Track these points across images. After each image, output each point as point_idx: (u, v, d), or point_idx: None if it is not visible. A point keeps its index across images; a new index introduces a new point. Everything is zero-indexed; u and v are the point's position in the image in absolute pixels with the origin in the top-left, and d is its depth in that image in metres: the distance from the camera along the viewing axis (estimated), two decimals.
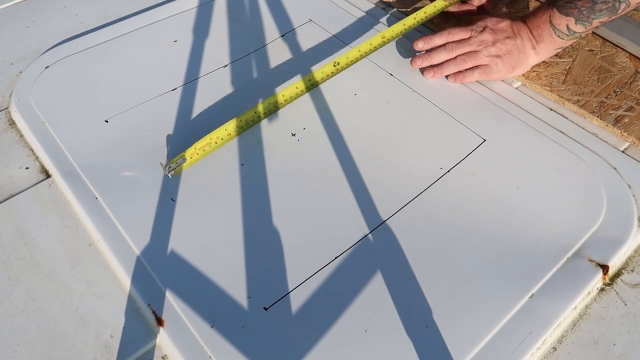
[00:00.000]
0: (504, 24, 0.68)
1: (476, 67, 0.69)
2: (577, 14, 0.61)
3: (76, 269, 0.52)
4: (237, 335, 0.47)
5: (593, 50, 0.75)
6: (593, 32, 0.78)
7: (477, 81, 0.71)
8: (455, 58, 0.69)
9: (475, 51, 0.68)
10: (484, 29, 0.69)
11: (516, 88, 0.71)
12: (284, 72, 0.73)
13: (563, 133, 0.64)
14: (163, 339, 0.48)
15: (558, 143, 0.63)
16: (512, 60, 0.67)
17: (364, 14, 0.83)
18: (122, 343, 0.47)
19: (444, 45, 0.70)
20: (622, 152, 0.62)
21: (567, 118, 0.66)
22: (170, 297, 0.49)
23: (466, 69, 0.69)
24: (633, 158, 0.61)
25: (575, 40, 0.65)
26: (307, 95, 0.69)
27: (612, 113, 0.66)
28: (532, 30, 0.66)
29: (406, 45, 0.77)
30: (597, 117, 0.66)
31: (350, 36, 0.78)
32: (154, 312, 0.48)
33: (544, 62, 0.74)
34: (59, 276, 0.51)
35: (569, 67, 0.73)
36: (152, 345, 0.47)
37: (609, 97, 0.68)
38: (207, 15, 0.83)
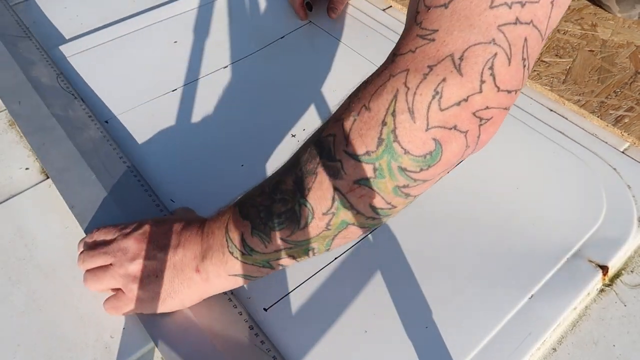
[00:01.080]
0: (165, 226, 0.46)
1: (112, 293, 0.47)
2: (254, 216, 0.40)
3: (76, 269, 0.52)
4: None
5: (593, 51, 0.75)
6: (593, 33, 0.78)
7: None
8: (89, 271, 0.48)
9: (108, 266, 0.47)
10: (132, 231, 0.47)
11: None
12: (284, 74, 0.73)
13: (563, 134, 0.64)
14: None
15: (558, 144, 0.63)
16: (157, 286, 0.45)
17: (364, 15, 0.83)
18: (122, 344, 0.47)
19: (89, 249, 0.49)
20: (622, 152, 0.62)
21: (566, 119, 0.66)
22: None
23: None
24: (633, 159, 0.61)
25: (257, 268, 0.42)
26: (307, 97, 0.70)
27: (612, 113, 0.66)
28: (204, 237, 0.44)
29: None
30: (597, 117, 0.66)
31: (350, 37, 0.78)
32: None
33: (543, 61, 0.74)
34: (59, 277, 0.51)
35: (569, 67, 0.73)
36: (152, 346, 0.47)
37: (609, 97, 0.68)
38: (207, 16, 0.83)
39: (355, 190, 0.37)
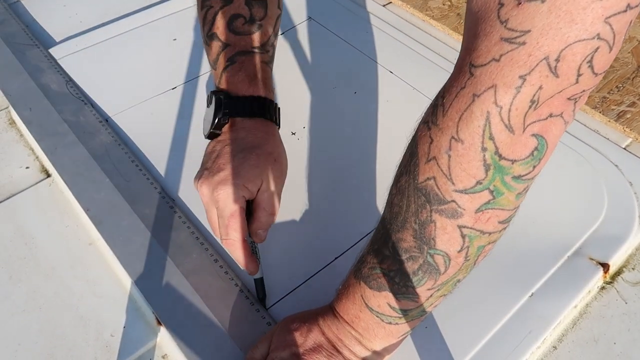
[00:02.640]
0: (309, 340, 0.42)
1: None
2: (390, 285, 0.39)
3: (76, 268, 0.52)
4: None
5: None
6: None
7: None
8: None
9: None
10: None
11: None
12: (284, 70, 0.73)
13: None
14: (163, 338, 0.48)
15: (559, 140, 0.62)
16: None
17: (364, 11, 0.82)
18: (123, 342, 0.47)
19: None
20: (624, 149, 0.62)
21: None
22: (170, 297, 0.49)
23: None
24: (635, 155, 0.61)
25: (419, 319, 0.41)
26: (307, 94, 0.69)
27: (614, 108, 0.66)
28: (350, 323, 0.42)
29: (407, 43, 0.76)
30: (600, 112, 0.65)
31: (350, 34, 0.78)
32: (154, 312, 0.48)
33: None
34: (59, 275, 0.51)
35: None
36: (153, 345, 0.48)
37: (611, 92, 0.68)
38: None
39: (480, 219, 0.35)
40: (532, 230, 0.54)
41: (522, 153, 0.33)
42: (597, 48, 0.30)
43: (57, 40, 0.78)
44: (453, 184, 0.34)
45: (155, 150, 0.63)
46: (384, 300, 0.39)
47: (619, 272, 0.52)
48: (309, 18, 0.81)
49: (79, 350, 0.46)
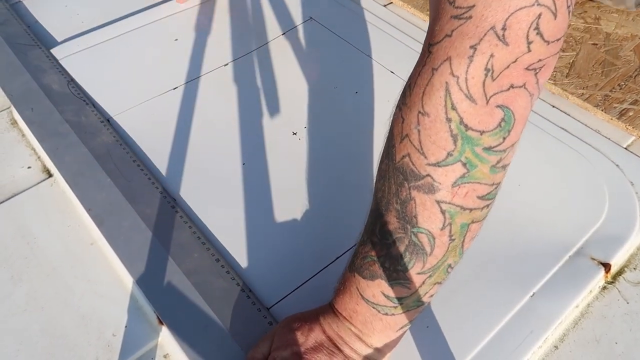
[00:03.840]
0: (310, 340, 0.42)
1: None
2: (381, 271, 0.39)
3: (78, 268, 0.52)
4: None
5: (597, 44, 0.74)
6: (596, 26, 0.77)
7: None
8: None
9: None
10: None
11: None
12: (285, 70, 0.73)
13: (565, 130, 0.63)
14: (165, 338, 0.48)
15: (560, 140, 0.62)
16: None
17: (365, 11, 0.82)
18: (124, 342, 0.47)
19: None
20: (625, 148, 0.62)
21: (569, 115, 0.66)
22: (172, 297, 0.49)
23: None
24: (636, 155, 0.61)
25: (416, 310, 0.40)
26: (308, 94, 0.69)
27: (616, 106, 0.66)
28: (349, 319, 0.41)
29: (407, 43, 0.76)
30: (602, 110, 0.65)
31: (351, 34, 0.78)
32: (155, 311, 0.48)
33: None
34: (60, 275, 0.52)
35: (573, 60, 0.72)
36: (154, 344, 0.48)
37: (614, 90, 0.68)
38: (208, 14, 0.82)
39: (457, 193, 0.35)
40: (534, 230, 0.54)
41: (489, 123, 0.34)
42: (540, 14, 0.32)
43: (59, 41, 0.78)
44: (426, 157, 0.35)
45: (157, 150, 0.63)
46: (377, 289, 0.39)
47: (620, 272, 0.52)
48: (310, 18, 0.81)
49: (80, 349, 0.47)
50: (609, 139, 0.63)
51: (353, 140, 0.63)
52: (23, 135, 0.65)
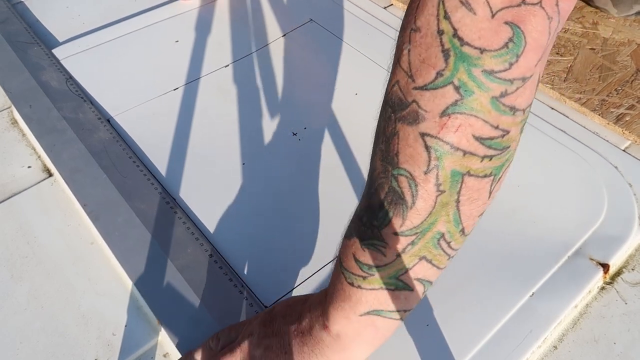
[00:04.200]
0: (287, 301, 0.41)
1: None
2: (358, 226, 0.33)
3: (78, 267, 0.52)
4: None
5: (594, 49, 0.75)
6: (594, 31, 0.78)
7: None
8: None
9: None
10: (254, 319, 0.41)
11: None
12: (285, 72, 0.73)
13: (564, 132, 0.64)
14: (165, 337, 0.48)
15: (559, 142, 0.63)
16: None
17: (365, 13, 0.83)
18: (124, 341, 0.47)
19: None
20: (623, 150, 0.62)
21: (568, 117, 0.66)
22: (169, 296, 0.49)
23: None
24: (634, 157, 0.61)
25: (389, 293, 0.33)
26: (307, 95, 0.70)
27: (613, 111, 0.66)
28: (327, 290, 0.37)
29: None
30: (599, 115, 0.66)
31: (351, 35, 0.78)
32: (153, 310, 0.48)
33: None
34: (61, 274, 0.52)
35: (570, 65, 0.73)
36: (154, 343, 0.48)
37: (611, 95, 0.68)
38: (208, 16, 0.83)
39: (447, 125, 0.28)
40: (533, 230, 0.54)
41: (491, 40, 0.27)
42: None
43: (60, 41, 0.78)
44: (413, 80, 0.29)
45: (156, 150, 0.63)
46: (350, 249, 0.33)
47: (618, 273, 0.52)
48: (310, 20, 0.82)
49: (80, 348, 0.47)
50: (607, 141, 0.63)
51: (353, 141, 0.64)
52: (23, 134, 0.65)
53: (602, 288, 0.51)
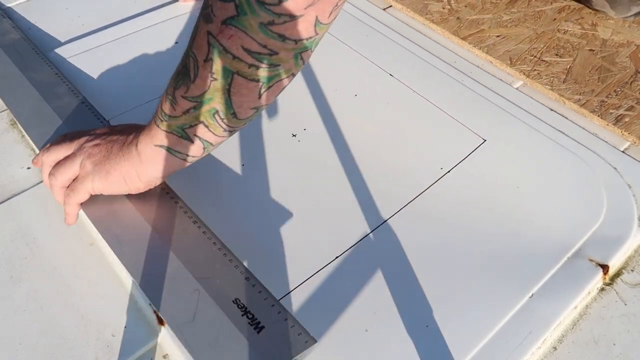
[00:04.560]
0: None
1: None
2: (169, 83, 0.45)
3: (78, 268, 0.52)
4: None
5: (593, 50, 0.75)
6: (593, 32, 0.78)
7: (477, 82, 0.71)
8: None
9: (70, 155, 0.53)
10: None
11: (516, 88, 0.71)
12: None
13: (563, 133, 0.64)
14: (164, 338, 0.48)
15: (558, 143, 0.63)
16: (106, 160, 0.50)
17: (364, 14, 0.83)
18: (124, 342, 0.47)
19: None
20: (622, 152, 0.62)
21: (567, 118, 0.67)
22: (172, 293, 0.49)
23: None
24: (633, 158, 0.61)
25: (176, 139, 0.46)
26: (307, 96, 0.70)
27: (612, 112, 0.66)
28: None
29: (407, 46, 0.77)
30: (598, 116, 0.66)
31: (350, 37, 0.78)
32: (155, 312, 0.48)
33: (543, 61, 0.74)
34: (60, 275, 0.52)
35: (570, 66, 0.73)
36: (154, 344, 0.48)
37: (610, 96, 0.68)
38: None
39: (224, 32, 0.37)
40: (532, 231, 0.54)
41: None
42: None
43: (60, 43, 0.78)
44: None
45: None
46: (162, 99, 0.45)
47: (618, 274, 0.52)
48: None
49: (79, 350, 0.46)
50: (606, 142, 0.63)
51: (352, 142, 0.64)
52: (22, 135, 0.65)
53: (602, 289, 0.51)
